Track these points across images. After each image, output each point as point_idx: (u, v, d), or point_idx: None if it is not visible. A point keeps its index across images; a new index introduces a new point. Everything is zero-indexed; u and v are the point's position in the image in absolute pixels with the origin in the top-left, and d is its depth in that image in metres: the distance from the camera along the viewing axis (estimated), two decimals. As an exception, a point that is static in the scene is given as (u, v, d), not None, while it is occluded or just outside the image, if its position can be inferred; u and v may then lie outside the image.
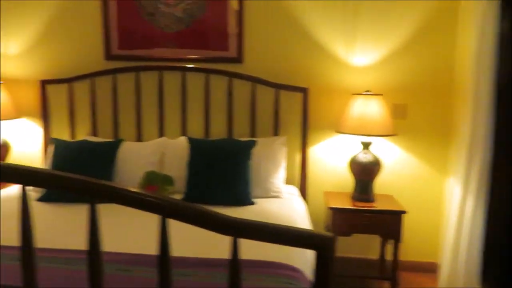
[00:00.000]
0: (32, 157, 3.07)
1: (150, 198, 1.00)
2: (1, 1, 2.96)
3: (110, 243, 1.27)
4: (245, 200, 2.40)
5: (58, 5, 2.95)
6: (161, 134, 2.94)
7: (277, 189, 2.58)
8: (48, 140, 2.97)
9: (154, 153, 2.67)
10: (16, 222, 1.08)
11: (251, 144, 2.52)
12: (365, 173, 2.61)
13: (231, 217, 1.00)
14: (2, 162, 1.08)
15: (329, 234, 0.98)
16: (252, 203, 2.40)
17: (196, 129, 2.93)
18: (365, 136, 2.57)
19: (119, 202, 1.01)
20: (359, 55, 2.82)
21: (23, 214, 1.07)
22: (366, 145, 2.63)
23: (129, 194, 1.00)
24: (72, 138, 2.97)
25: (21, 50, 3.02)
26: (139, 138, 2.95)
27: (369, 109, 2.55)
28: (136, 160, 2.63)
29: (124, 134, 2.96)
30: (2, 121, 2.89)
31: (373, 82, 2.81)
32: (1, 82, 2.93)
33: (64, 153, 2.52)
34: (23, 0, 2.95)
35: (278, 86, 2.84)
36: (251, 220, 1.00)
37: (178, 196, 2.45)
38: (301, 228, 1.02)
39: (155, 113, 2.95)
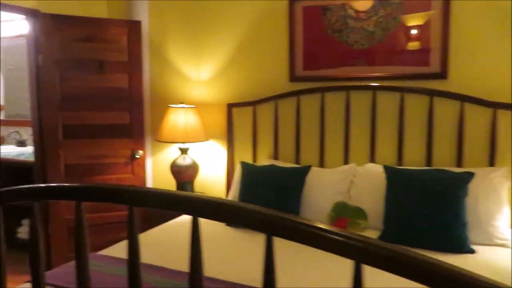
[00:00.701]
0: (217, 178, 3.16)
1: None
2: (198, 34, 3.17)
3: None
4: (462, 246, 1.93)
5: (246, 32, 3.00)
6: (345, 159, 2.68)
7: (502, 236, 2.03)
8: (231, 161, 3.01)
9: (343, 181, 2.43)
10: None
11: (468, 177, 2.05)
12: None
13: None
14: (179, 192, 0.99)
15: None
16: (472, 251, 1.92)
17: (386, 155, 2.58)
18: None
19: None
20: None
21: (193, 243, 0.92)
22: None
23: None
24: (254, 161, 2.95)
25: (211, 76, 3.17)
26: (321, 163, 2.75)
27: None
28: (323, 188, 2.42)
29: (305, 158, 2.79)
30: (193, 143, 3.05)
31: None
32: (193, 106, 3.11)
33: (252, 177, 2.47)
34: (215, 31, 3.10)
35: (496, 105, 2.30)
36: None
37: (372, 233, 2.14)
38: None
39: (340, 136, 2.71)
